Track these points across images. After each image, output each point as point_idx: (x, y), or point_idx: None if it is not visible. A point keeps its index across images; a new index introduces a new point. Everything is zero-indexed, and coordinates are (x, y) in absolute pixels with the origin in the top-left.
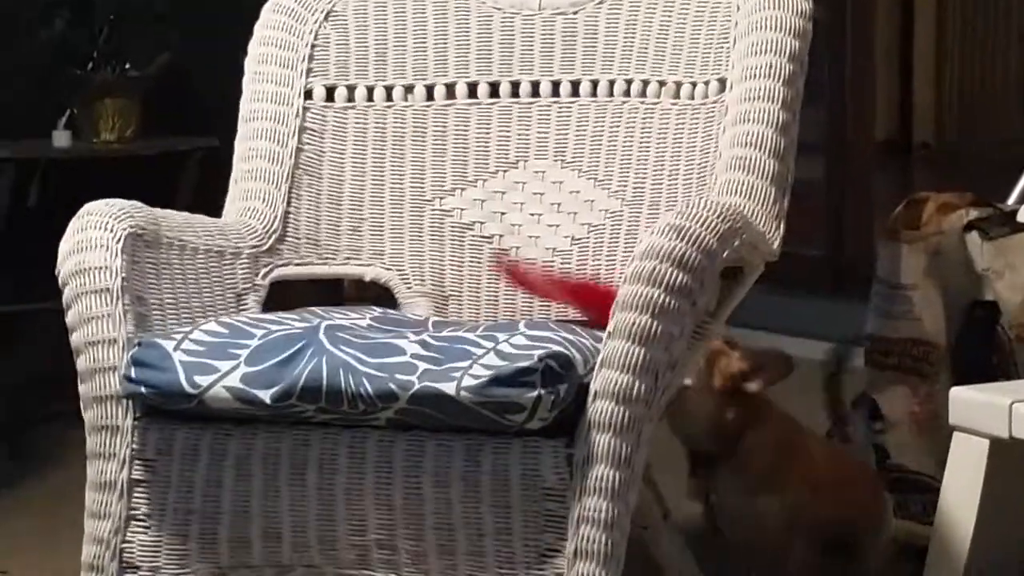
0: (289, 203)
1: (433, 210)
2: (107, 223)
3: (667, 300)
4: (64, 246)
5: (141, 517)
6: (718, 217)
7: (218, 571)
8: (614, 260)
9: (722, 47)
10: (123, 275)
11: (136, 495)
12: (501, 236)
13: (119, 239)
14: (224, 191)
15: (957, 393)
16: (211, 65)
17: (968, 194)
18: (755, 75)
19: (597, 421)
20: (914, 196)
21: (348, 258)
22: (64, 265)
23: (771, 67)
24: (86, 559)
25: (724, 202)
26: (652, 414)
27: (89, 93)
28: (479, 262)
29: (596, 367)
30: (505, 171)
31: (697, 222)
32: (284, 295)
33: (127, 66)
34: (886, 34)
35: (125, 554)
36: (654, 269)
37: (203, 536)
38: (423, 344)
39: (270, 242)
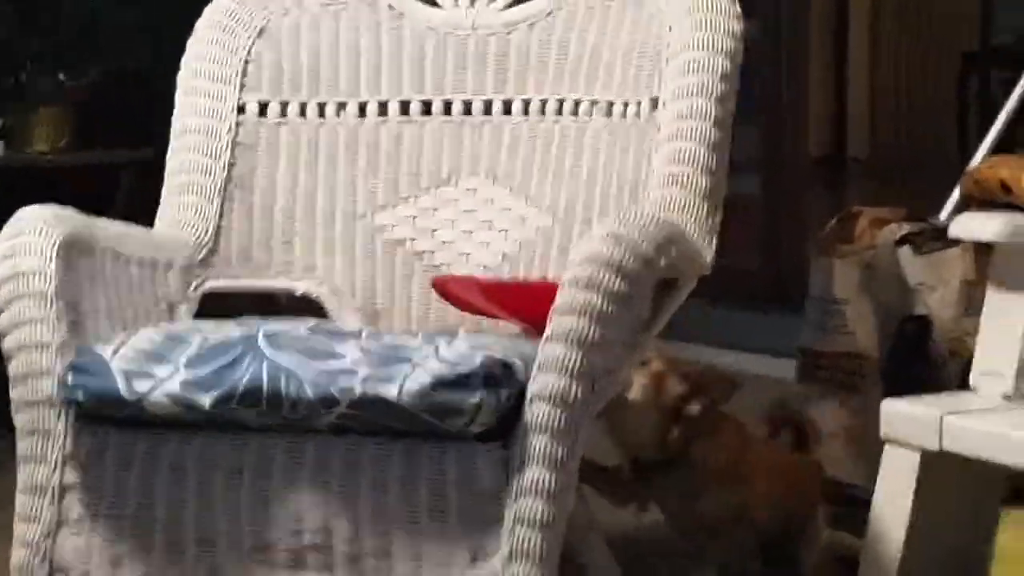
0: (221, 216)
1: (365, 225)
2: (42, 228)
3: (605, 305)
4: None
5: (72, 521)
6: (655, 226)
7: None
8: (545, 276)
9: (654, 67)
10: (57, 280)
11: (68, 499)
12: (432, 252)
13: (54, 243)
14: (158, 203)
15: (888, 406)
16: (146, 77)
17: (901, 209)
18: (687, 93)
19: (534, 424)
20: (847, 211)
21: (280, 272)
22: None
23: (703, 86)
24: (15, 563)
25: (659, 214)
26: (588, 418)
27: (22, 103)
28: (410, 277)
29: (535, 371)
30: (437, 188)
31: (634, 230)
32: (221, 306)
33: (61, 76)
34: (820, 49)
35: (55, 558)
36: (592, 274)
37: (136, 540)
38: (363, 350)
39: (202, 254)
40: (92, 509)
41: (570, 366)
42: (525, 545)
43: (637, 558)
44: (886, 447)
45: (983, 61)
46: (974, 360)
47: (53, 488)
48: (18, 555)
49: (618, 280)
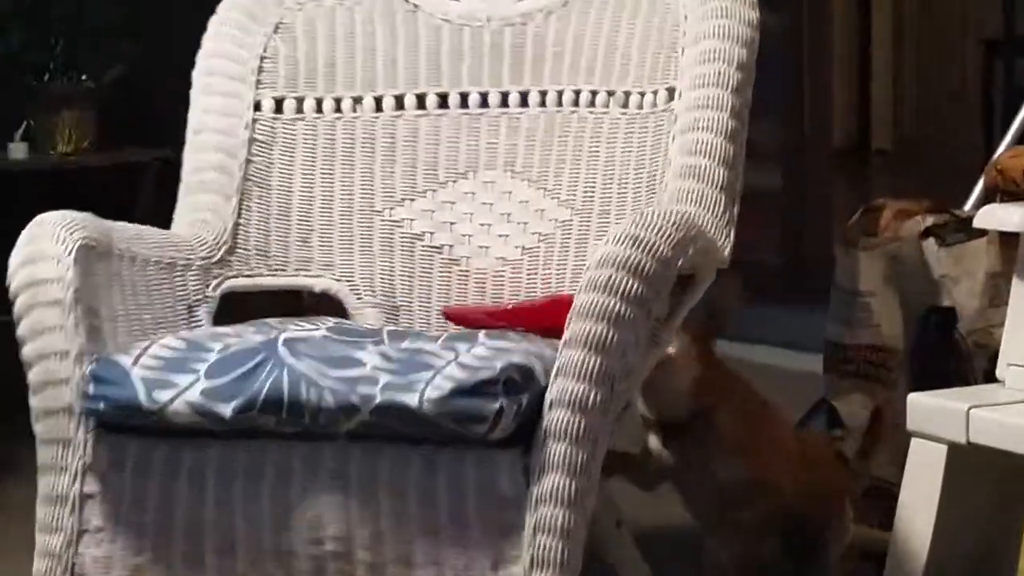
0: (239, 215)
1: (383, 221)
2: (58, 234)
3: (623, 308)
4: (15, 258)
5: (93, 530)
6: (672, 226)
7: None
8: (564, 269)
9: (671, 57)
10: (75, 287)
11: (88, 508)
12: (451, 246)
13: (70, 251)
14: None
15: (915, 399)
16: (167, 76)
17: (925, 200)
18: (704, 83)
19: (553, 430)
20: (871, 203)
21: (298, 269)
22: (15, 277)
23: (720, 75)
24: (37, 573)
25: (677, 210)
26: (608, 422)
27: (46, 104)
28: (429, 272)
29: (552, 376)
30: (455, 181)
31: (652, 231)
32: (243, 306)
33: (83, 77)
34: (843, 39)
35: (76, 568)
36: (610, 278)
37: (156, 550)
38: (383, 356)
39: (220, 254)
40: (112, 518)
41: (588, 371)
42: (546, 553)
43: (664, 554)
44: (913, 440)
45: (1007, 50)
46: (1000, 352)
47: (74, 497)
48: (40, 565)
49: (636, 283)
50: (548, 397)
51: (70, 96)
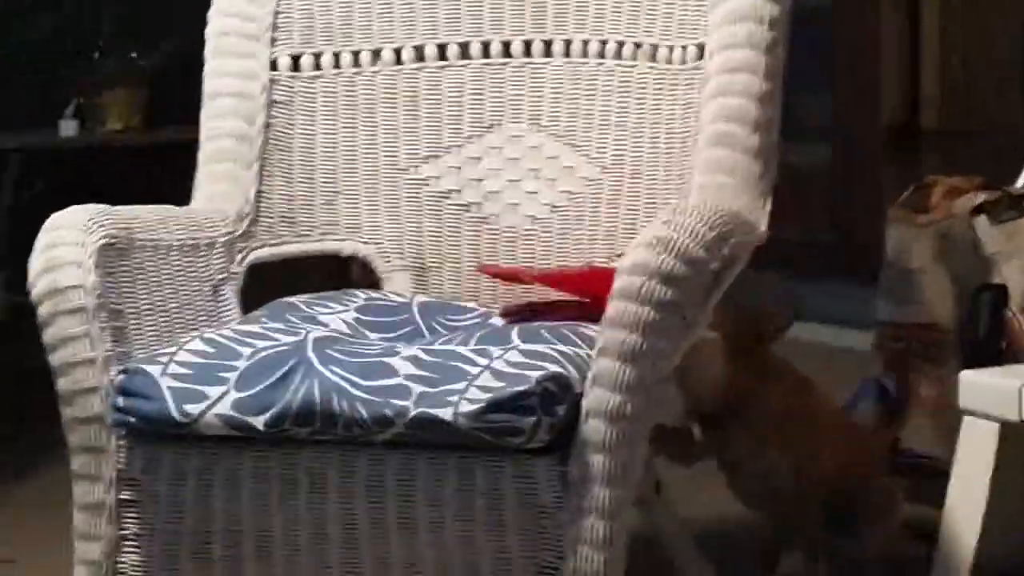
0: (261, 182)
1: (408, 179)
2: (78, 238)
3: (656, 317)
4: (35, 263)
5: (131, 538)
6: (706, 226)
7: None
8: (596, 230)
9: (699, 11)
10: (98, 291)
11: (125, 516)
12: (479, 204)
13: (91, 254)
14: None
15: (967, 377)
16: None
17: (976, 178)
18: (734, 43)
19: (590, 440)
20: (922, 180)
21: (324, 234)
22: (37, 284)
23: (750, 35)
24: None
25: (712, 205)
26: (646, 428)
27: (95, 82)
28: (458, 232)
29: (588, 384)
30: (480, 136)
31: (686, 233)
32: (294, 273)
33: (133, 55)
34: (893, 17)
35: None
36: (642, 286)
37: (195, 556)
38: (415, 361)
39: (244, 226)
40: (150, 525)
41: (623, 381)
42: (587, 564)
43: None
44: (965, 418)
45: None
46: None
47: (110, 506)
48: (80, 573)
49: (669, 290)
50: (584, 406)
51: (120, 74)
